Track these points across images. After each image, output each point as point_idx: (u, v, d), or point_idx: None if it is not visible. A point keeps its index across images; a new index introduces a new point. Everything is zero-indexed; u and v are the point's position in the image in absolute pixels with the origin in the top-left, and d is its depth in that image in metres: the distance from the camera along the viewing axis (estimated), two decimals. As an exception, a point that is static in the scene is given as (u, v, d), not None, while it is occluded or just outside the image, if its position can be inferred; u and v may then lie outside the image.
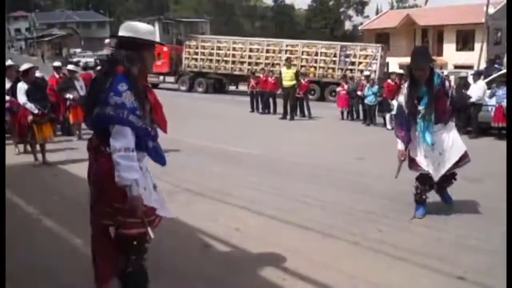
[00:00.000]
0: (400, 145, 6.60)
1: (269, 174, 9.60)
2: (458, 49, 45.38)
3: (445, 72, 21.99)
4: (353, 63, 30.47)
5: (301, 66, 30.27)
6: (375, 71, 28.75)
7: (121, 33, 3.72)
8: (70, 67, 14.47)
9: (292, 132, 16.38)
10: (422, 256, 5.30)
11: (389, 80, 18.27)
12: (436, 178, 6.51)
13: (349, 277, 4.80)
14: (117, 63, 3.61)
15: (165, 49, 34.37)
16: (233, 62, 33.95)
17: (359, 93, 18.86)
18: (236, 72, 33.99)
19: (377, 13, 74.35)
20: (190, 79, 35.08)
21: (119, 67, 3.58)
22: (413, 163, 6.61)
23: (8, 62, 11.63)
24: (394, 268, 5.06)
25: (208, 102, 27.65)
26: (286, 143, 13.91)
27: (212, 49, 34.49)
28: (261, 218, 6.72)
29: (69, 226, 6.23)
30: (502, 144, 13.20)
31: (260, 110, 22.55)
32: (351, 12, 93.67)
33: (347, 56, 30.81)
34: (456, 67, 38.04)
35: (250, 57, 33.46)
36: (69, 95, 13.31)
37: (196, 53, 34.93)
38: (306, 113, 20.93)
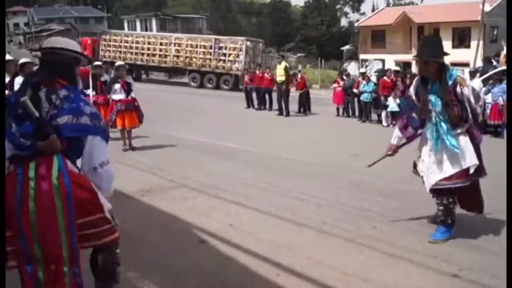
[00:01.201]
0: (394, 139, 6.03)
1: (264, 171, 9.58)
2: (454, 47, 45.30)
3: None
4: (224, 55, 35.18)
5: (186, 57, 36.33)
6: (242, 62, 34.37)
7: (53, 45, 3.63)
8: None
9: (287, 129, 16.36)
10: (416, 253, 5.30)
11: (385, 77, 18.28)
12: (427, 188, 5.78)
13: (343, 273, 4.79)
14: (57, 75, 3.48)
15: (89, 41, 41.51)
16: (136, 53, 38.76)
17: (355, 90, 18.85)
18: (138, 62, 38.21)
19: (373, 10, 74.53)
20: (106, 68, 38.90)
21: (60, 80, 3.47)
22: (414, 165, 6.11)
23: (7, 57, 11.61)
24: (389, 265, 5.05)
25: (199, 97, 27.63)
26: (282, 139, 13.90)
27: (121, 41, 39.58)
28: (256, 214, 6.70)
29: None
30: (498, 142, 13.24)
31: (256, 106, 22.52)
32: (347, 9, 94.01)
33: (220, 48, 35.44)
34: (452, 64, 37.93)
35: (148, 48, 38.33)
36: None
37: (109, 45, 40.06)
38: (295, 109, 20.80)
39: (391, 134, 6.43)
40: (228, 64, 34.84)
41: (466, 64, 34.38)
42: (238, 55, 34.51)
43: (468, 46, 42.64)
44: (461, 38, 45.59)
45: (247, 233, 5.96)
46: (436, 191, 5.67)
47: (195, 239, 5.80)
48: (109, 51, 39.68)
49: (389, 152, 6.08)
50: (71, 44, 3.66)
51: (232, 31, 67.50)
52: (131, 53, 38.68)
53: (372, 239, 5.78)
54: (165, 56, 37.54)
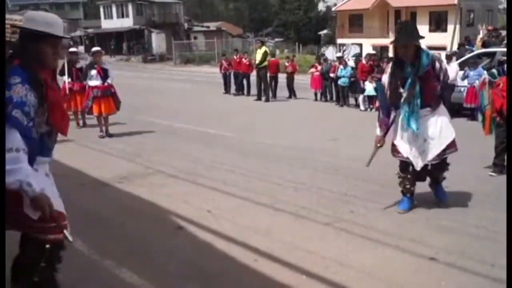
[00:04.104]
0: (379, 130, 6.12)
1: (242, 156, 9.56)
2: (431, 30, 45.50)
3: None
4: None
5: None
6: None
7: (22, 24, 3.47)
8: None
9: (265, 114, 16.33)
10: (394, 237, 5.32)
11: (363, 61, 18.31)
12: (418, 166, 5.97)
13: (321, 258, 4.80)
14: (15, 56, 3.35)
15: None
16: None
17: (332, 74, 18.82)
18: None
19: (350, -6, 74.46)
20: None
21: (16, 60, 3.29)
22: (393, 148, 6.14)
23: None
24: (366, 249, 5.07)
25: (174, 82, 27.48)
26: (259, 124, 13.89)
27: None
28: (234, 200, 6.69)
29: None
30: (474, 125, 13.35)
31: (234, 92, 22.43)
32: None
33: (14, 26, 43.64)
34: (429, 48, 38.15)
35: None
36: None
37: None
38: (270, 94, 20.56)
39: (368, 118, 6.48)
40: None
41: (443, 48, 34.50)
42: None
43: (445, 30, 42.82)
44: (438, 22, 45.78)
45: (225, 219, 5.94)
46: (442, 163, 6.09)
47: (173, 226, 5.77)
48: None
49: (378, 145, 6.15)
50: (37, 20, 3.43)
51: (209, 16, 67.01)
52: None
53: (349, 223, 5.79)
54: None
